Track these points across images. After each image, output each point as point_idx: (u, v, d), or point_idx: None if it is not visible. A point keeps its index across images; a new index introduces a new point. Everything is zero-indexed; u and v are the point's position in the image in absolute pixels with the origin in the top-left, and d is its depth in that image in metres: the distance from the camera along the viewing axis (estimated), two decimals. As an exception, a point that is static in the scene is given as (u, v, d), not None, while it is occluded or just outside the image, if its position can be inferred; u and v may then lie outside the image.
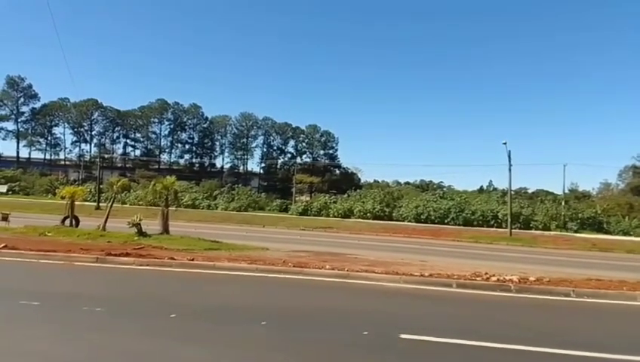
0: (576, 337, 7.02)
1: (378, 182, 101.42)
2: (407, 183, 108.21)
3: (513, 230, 43.83)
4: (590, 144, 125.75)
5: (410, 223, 53.20)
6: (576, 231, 49.90)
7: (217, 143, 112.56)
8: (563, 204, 60.62)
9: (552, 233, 48.08)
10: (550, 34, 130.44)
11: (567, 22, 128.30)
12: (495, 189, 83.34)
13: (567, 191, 74.84)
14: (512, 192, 51.76)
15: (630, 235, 48.99)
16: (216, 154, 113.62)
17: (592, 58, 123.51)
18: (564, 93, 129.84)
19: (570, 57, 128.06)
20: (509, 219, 43.65)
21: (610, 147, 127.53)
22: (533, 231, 48.60)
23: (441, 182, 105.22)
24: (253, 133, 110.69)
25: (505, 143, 44.20)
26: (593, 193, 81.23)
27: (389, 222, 54.25)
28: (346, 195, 67.43)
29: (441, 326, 7.26)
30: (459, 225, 52.44)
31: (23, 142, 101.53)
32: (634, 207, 59.34)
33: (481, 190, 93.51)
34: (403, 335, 6.44)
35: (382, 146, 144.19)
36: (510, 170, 44.46)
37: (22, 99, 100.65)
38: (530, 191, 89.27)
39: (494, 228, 49.85)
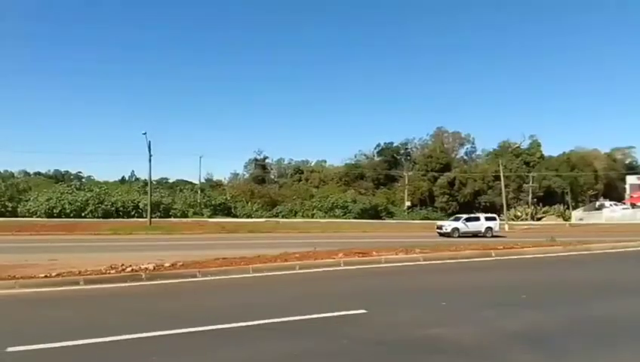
0: (195, 314, 7.66)
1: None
2: (39, 173, 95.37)
3: (154, 219, 44.76)
4: (222, 137, 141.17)
5: (40, 219, 46.86)
6: (209, 217, 55.19)
7: None
8: (199, 192, 65.98)
9: (189, 219, 51.60)
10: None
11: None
12: (137, 179, 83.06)
13: (203, 180, 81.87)
14: (154, 182, 52.77)
15: (252, 217, 57.81)
16: None
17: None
18: (194, 92, 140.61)
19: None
20: (149, 209, 44.32)
21: (241, 141, 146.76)
22: (172, 219, 50.87)
23: (80, 172, 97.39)
24: None
25: (145, 134, 44.52)
26: (225, 182, 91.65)
27: (13, 218, 46.42)
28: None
29: (60, 329, 6.63)
30: (98, 217, 49.68)
31: None
32: (255, 193, 70.28)
33: (123, 180, 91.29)
34: (10, 349, 5.54)
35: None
36: (150, 160, 45.14)
37: None
38: (170, 181, 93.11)
39: (135, 219, 49.62)
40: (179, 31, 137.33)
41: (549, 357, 5.49)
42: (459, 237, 34.55)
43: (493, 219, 38.91)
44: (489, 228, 37.06)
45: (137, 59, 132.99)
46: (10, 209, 50.43)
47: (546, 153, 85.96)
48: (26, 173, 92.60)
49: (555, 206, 74.71)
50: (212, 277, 11.39)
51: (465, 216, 40.16)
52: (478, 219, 38.28)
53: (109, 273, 11.15)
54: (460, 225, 36.83)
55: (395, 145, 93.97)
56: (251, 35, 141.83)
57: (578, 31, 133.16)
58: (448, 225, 37.24)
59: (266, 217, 58.52)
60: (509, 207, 64.98)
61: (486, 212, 47.19)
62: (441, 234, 35.58)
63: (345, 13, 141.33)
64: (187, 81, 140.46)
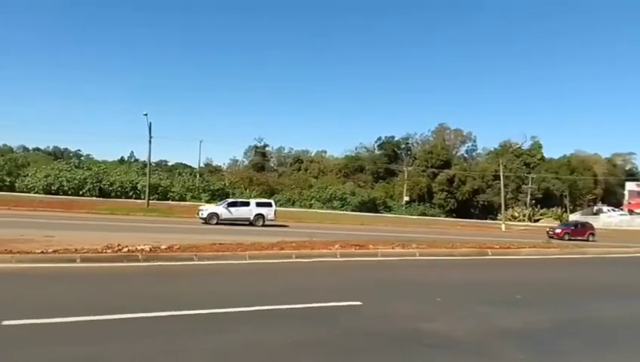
0: (190, 297, 7.66)
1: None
2: (38, 149, 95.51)
3: (151, 201, 44.71)
4: (223, 123, 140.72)
5: (37, 195, 46.84)
6: (207, 201, 55.05)
7: None
8: (198, 176, 65.93)
9: (187, 203, 51.56)
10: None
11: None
12: (136, 160, 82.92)
13: (202, 165, 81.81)
14: (153, 164, 52.68)
15: (249, 204, 57.66)
16: None
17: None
18: (196, 76, 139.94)
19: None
20: (147, 191, 44.24)
21: (239, 127, 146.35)
22: (170, 202, 50.86)
23: (79, 150, 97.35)
24: None
25: (146, 115, 44.19)
26: (224, 167, 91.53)
27: (11, 193, 46.44)
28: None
29: (55, 305, 6.63)
30: (96, 196, 49.69)
31: None
32: (253, 180, 70.30)
33: (122, 161, 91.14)
34: (5, 322, 5.54)
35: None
36: (150, 142, 44.92)
37: None
38: (170, 163, 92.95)
39: (133, 200, 49.60)
40: (180, 15, 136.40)
41: (543, 356, 5.52)
42: (218, 223, 29.23)
43: (268, 205, 33.24)
44: (260, 216, 31.27)
45: (140, 41, 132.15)
46: (7, 183, 50.39)
47: (546, 155, 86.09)
48: (25, 149, 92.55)
49: (553, 208, 74.84)
50: (208, 262, 11.40)
51: (230, 200, 35.38)
52: (247, 204, 32.53)
53: (106, 252, 11.14)
54: (220, 210, 31.09)
55: (396, 139, 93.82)
56: (253, 21, 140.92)
57: (582, 33, 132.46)
58: (206, 209, 31.67)
59: (264, 205, 58.49)
60: (507, 207, 65.02)
61: (484, 211, 47.11)
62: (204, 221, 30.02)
63: (348, 3, 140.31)
64: (190, 66, 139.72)
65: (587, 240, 35.05)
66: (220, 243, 14.04)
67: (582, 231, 37.82)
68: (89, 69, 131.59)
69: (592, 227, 39.37)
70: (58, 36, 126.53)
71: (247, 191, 64.07)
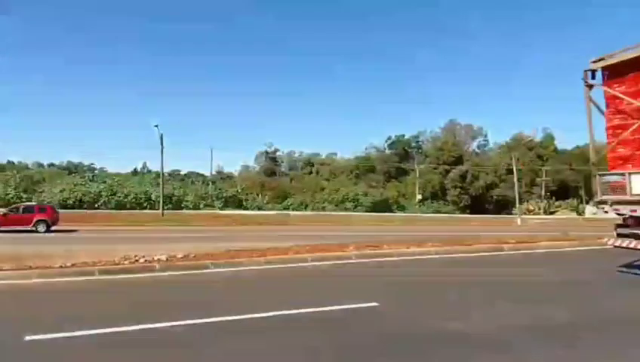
0: (207, 305, 7.69)
1: (14, 163, 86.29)
2: (52, 165, 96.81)
3: (166, 211, 45.11)
4: (234, 129, 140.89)
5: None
6: (221, 209, 55.56)
7: None
8: (211, 184, 66.41)
9: (201, 212, 51.97)
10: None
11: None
12: (150, 171, 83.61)
13: (214, 172, 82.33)
14: (166, 174, 53.17)
15: (262, 210, 58.05)
16: None
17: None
18: (201, 81, 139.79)
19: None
20: (161, 201, 44.70)
21: (251, 133, 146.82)
22: (184, 211, 51.26)
23: (93, 163, 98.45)
24: None
25: (157, 126, 44.76)
26: (235, 174, 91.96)
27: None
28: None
29: (75, 318, 6.69)
30: (111, 208, 50.27)
31: None
32: (265, 185, 70.56)
33: (135, 172, 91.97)
34: (28, 338, 5.64)
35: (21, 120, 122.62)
36: (162, 152, 45.44)
37: None
38: (182, 172, 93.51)
39: (148, 210, 50.09)
40: (186, 23, 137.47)
41: (565, 352, 5.44)
42: None
43: None
44: None
45: (146, 47, 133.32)
46: (24, 200, 51.16)
47: (559, 147, 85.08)
48: (40, 165, 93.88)
49: (569, 200, 73.92)
50: (224, 269, 11.46)
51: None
52: None
53: (123, 264, 11.29)
54: None
55: (406, 137, 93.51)
56: (261, 25, 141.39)
57: (588, 21, 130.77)
58: None
59: (277, 210, 58.74)
60: (521, 201, 64.33)
61: (498, 206, 46.73)
62: None
63: (354, 3, 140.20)
64: (196, 71, 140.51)
65: (36, 231, 25.55)
66: (235, 250, 14.15)
67: (19, 218, 26.20)
68: (97, 79, 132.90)
69: (44, 210, 27.62)
70: (68, 46, 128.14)
71: (260, 196, 64.37)
